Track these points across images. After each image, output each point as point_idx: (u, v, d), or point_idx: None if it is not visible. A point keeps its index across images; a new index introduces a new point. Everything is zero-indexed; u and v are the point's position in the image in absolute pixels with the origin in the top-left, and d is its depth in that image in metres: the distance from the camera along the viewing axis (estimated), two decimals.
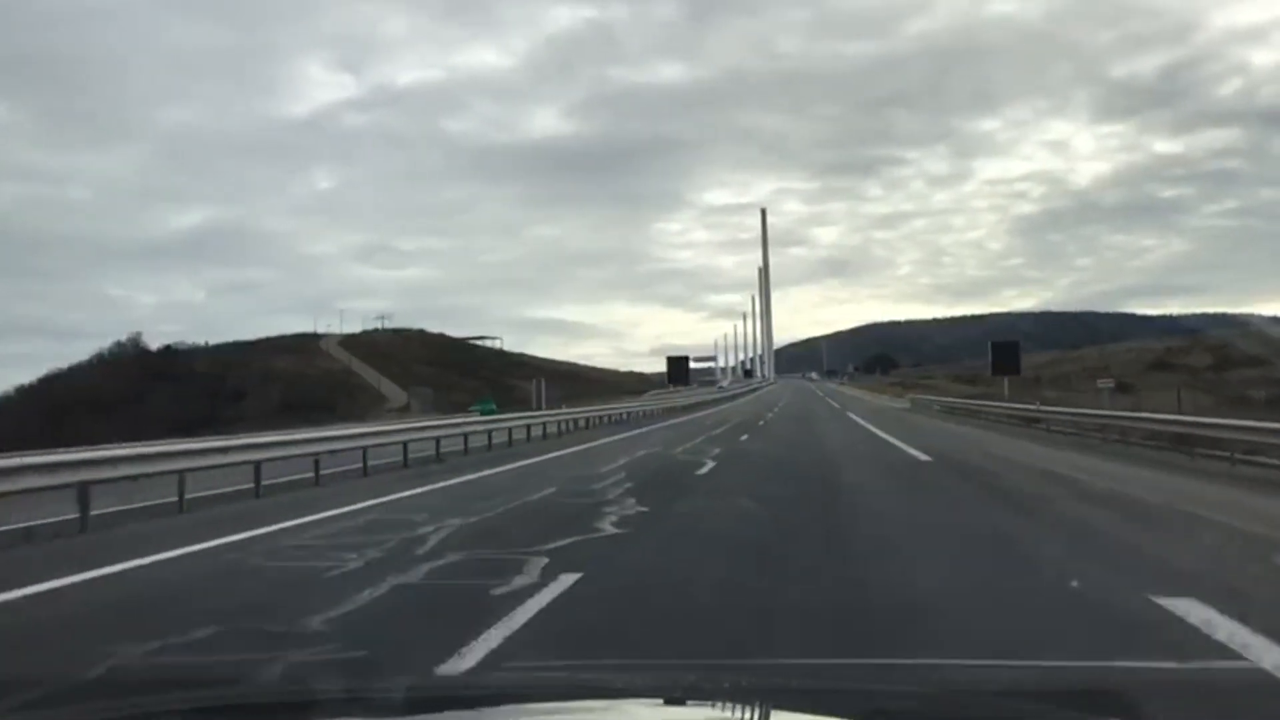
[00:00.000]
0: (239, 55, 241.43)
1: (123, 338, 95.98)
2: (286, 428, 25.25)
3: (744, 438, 25.86)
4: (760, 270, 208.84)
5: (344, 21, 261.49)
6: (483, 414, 45.47)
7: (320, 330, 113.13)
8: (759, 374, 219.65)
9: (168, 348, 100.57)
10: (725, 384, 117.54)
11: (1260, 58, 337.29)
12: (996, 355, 44.77)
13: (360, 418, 57.64)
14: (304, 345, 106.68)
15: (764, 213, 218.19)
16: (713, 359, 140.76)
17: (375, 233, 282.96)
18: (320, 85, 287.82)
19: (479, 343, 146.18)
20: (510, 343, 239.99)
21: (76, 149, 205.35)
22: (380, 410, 74.77)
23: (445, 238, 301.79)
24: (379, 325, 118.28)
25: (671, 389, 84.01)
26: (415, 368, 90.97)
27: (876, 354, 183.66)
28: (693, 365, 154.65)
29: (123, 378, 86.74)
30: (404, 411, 71.31)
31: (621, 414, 42.79)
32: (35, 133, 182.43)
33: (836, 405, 55.96)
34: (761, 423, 36.94)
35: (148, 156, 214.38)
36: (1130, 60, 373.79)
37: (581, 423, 33.64)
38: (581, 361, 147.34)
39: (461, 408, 63.35)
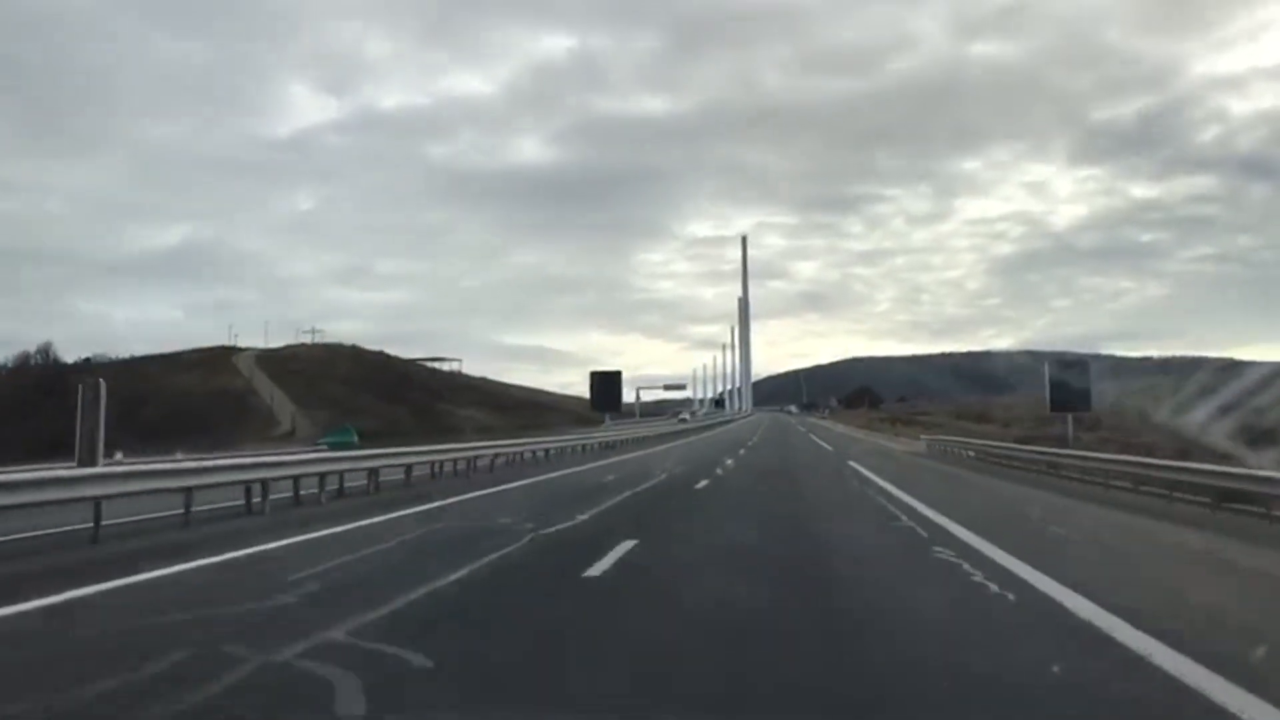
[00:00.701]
0: (222, 72, 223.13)
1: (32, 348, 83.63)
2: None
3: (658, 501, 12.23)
4: (740, 301, 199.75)
5: (329, 43, 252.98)
6: (332, 447, 33.40)
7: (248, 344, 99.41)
8: (734, 405, 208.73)
9: (86, 360, 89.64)
10: (688, 415, 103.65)
11: (1238, 106, 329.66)
12: (1059, 386, 31.47)
13: (238, 443, 45.09)
14: (215, 360, 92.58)
15: (744, 240, 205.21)
16: (682, 386, 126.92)
17: (355, 255, 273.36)
18: (304, 106, 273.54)
19: (434, 364, 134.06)
20: (489, 369, 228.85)
21: (53, 162, 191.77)
22: (266, 434, 60.96)
23: (425, 261, 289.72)
24: (310, 338, 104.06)
25: (614, 421, 69.71)
26: (329, 387, 76.95)
27: (859, 387, 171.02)
28: (665, 395, 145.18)
29: (9, 392, 75.47)
30: (287, 438, 57.53)
31: (543, 450, 33.92)
32: (9, 144, 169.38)
33: (828, 447, 42.68)
34: (719, 470, 26.00)
35: (126, 171, 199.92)
36: (1109, 105, 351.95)
37: (482, 462, 25.88)
38: (555, 390, 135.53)
39: (364, 435, 49.83)
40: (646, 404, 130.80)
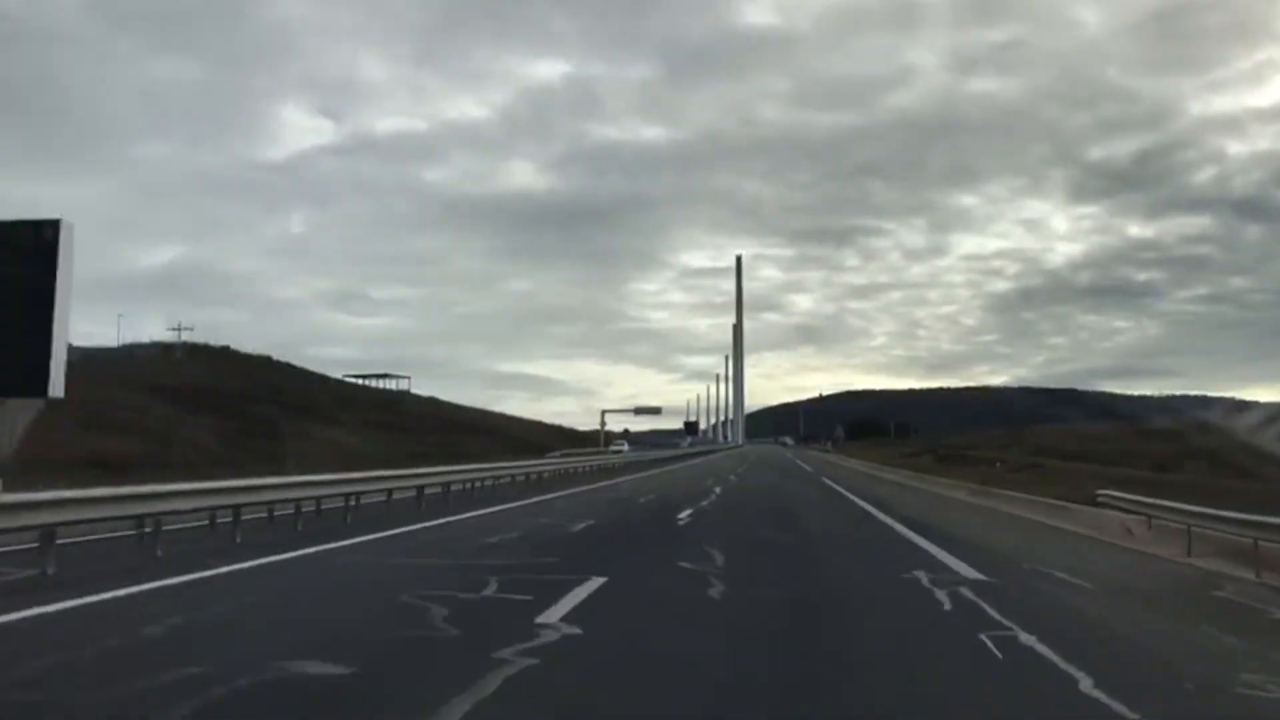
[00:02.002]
0: (215, 94, 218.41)
1: None
2: None
3: None
4: (734, 327, 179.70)
5: (323, 67, 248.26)
6: None
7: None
8: (726, 436, 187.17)
9: None
10: (625, 445, 79.08)
11: (1235, 147, 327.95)
12: None
13: None
14: None
15: (739, 260, 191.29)
16: (657, 410, 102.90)
17: (347, 280, 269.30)
18: (298, 129, 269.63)
19: (377, 383, 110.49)
20: (482, 398, 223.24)
21: (41, 179, 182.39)
22: None
23: (418, 287, 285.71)
24: (178, 336, 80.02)
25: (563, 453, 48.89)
26: (139, 398, 53.17)
27: (866, 417, 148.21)
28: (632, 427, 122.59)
29: None
30: None
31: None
32: None
33: (892, 524, 19.35)
34: None
35: (117, 190, 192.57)
36: (1106, 143, 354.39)
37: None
38: (530, 416, 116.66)
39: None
40: (641, 433, 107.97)
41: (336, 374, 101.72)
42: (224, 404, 57.17)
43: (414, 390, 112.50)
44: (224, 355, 77.43)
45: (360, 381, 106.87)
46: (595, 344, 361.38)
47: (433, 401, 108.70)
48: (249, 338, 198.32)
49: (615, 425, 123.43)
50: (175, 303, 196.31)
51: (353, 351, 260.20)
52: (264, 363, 79.32)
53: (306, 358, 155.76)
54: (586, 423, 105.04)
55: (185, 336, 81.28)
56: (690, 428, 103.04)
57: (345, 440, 59.71)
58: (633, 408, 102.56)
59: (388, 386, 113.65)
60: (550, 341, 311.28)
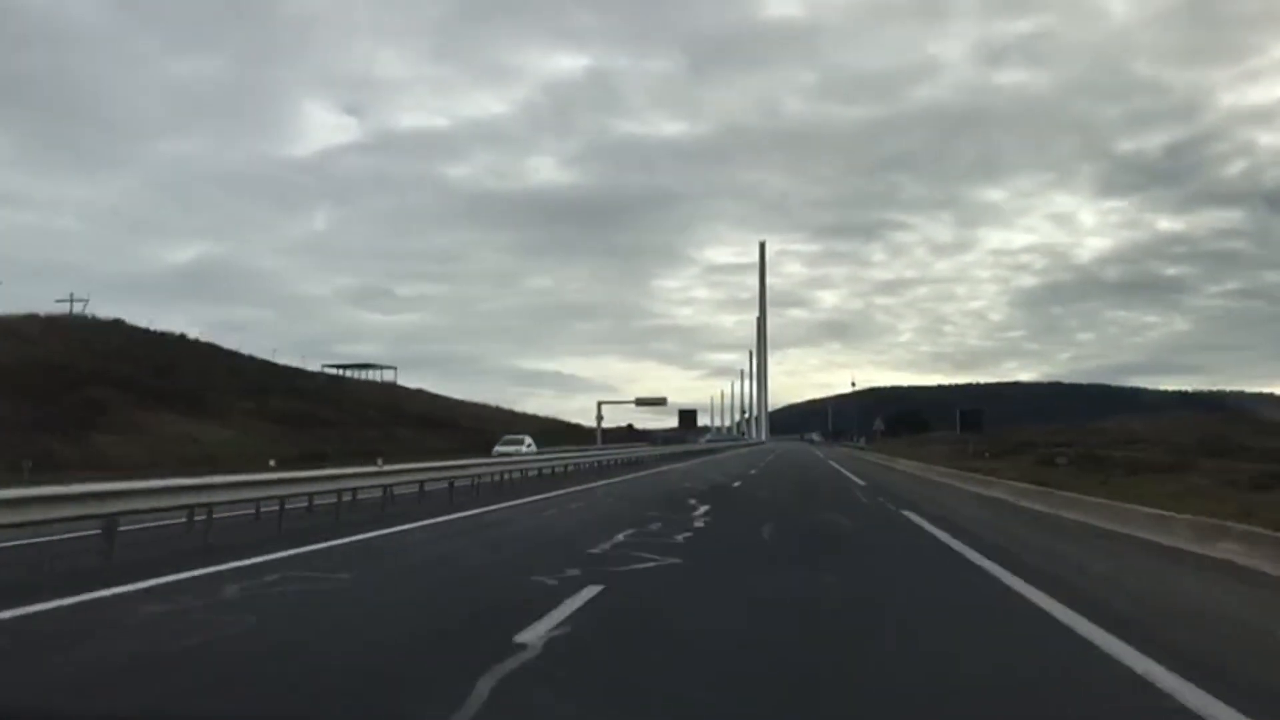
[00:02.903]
0: (237, 91, 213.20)
1: None
2: None
3: None
4: (758, 320, 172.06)
5: (345, 63, 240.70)
6: None
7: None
8: (748, 431, 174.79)
9: None
10: (526, 449, 61.54)
11: (1266, 139, 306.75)
12: None
13: None
14: None
15: (762, 246, 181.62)
16: (661, 401, 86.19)
17: (372, 277, 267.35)
18: (322, 126, 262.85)
19: (356, 374, 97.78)
20: (506, 395, 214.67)
21: (65, 177, 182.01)
22: None
23: (442, 284, 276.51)
24: (74, 309, 64.58)
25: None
26: None
27: (905, 409, 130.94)
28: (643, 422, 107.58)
29: None
30: None
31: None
32: (19, 158, 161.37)
33: None
34: None
35: (140, 188, 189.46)
36: (1136, 136, 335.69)
37: None
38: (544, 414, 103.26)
39: None
40: (669, 430, 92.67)
41: (322, 368, 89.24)
42: (48, 386, 41.35)
43: (401, 383, 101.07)
44: (112, 329, 61.89)
45: (340, 373, 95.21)
46: (620, 340, 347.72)
47: (400, 392, 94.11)
48: (274, 336, 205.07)
49: (619, 419, 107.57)
50: (200, 301, 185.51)
51: (378, 349, 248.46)
52: (153, 340, 63.52)
53: (332, 354, 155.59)
54: (609, 419, 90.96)
55: (87, 310, 66.27)
56: (687, 419, 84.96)
57: (210, 434, 43.94)
58: (634, 399, 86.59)
59: (371, 378, 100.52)
60: (574, 338, 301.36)
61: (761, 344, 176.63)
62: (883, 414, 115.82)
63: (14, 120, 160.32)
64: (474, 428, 74.59)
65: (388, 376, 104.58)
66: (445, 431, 67.99)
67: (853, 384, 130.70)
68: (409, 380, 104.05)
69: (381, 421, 63.55)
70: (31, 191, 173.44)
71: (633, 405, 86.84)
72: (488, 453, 42.53)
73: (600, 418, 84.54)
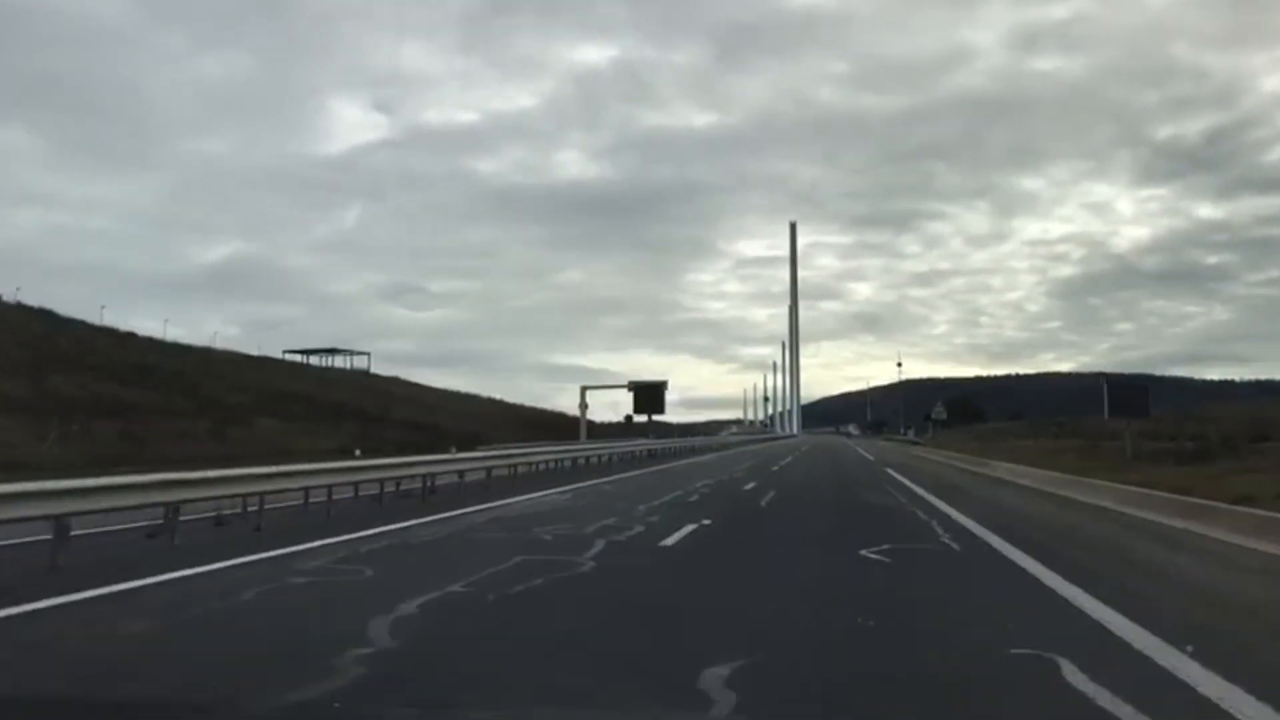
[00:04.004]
0: (268, 89, 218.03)
1: None
2: None
3: None
4: (790, 309, 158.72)
5: (376, 59, 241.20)
6: None
7: None
8: (783, 426, 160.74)
9: None
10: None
11: None
12: None
13: None
14: None
15: (793, 227, 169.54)
16: (660, 385, 68.54)
17: (403, 273, 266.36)
18: (352, 123, 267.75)
19: (326, 359, 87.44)
20: (538, 390, 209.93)
21: (96, 177, 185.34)
22: None
23: (473, 280, 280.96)
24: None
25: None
26: None
27: (959, 396, 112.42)
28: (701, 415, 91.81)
29: None
30: None
31: None
32: (51, 159, 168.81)
33: None
34: None
35: (171, 187, 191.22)
36: (1174, 123, 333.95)
37: None
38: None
39: None
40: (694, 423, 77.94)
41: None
42: None
43: (374, 370, 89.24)
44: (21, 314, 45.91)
45: (304, 359, 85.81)
46: (651, 335, 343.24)
47: (337, 376, 79.04)
48: (306, 333, 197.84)
49: (611, 408, 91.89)
50: (232, 299, 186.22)
51: (410, 345, 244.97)
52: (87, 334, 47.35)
53: (357, 351, 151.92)
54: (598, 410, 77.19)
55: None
56: (647, 396, 63.68)
57: None
58: (626, 383, 69.36)
59: (340, 365, 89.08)
60: (605, 333, 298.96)
61: (793, 330, 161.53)
62: (918, 406, 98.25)
63: (47, 121, 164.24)
64: (430, 423, 58.08)
65: (359, 363, 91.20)
66: (375, 427, 51.21)
67: (899, 364, 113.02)
68: (421, 374, 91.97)
69: (250, 409, 46.30)
70: (64, 192, 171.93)
71: (625, 390, 69.41)
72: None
73: (584, 405, 67.77)
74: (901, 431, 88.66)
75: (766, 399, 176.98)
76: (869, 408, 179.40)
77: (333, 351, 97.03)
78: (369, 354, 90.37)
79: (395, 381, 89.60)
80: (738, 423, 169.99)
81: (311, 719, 3.42)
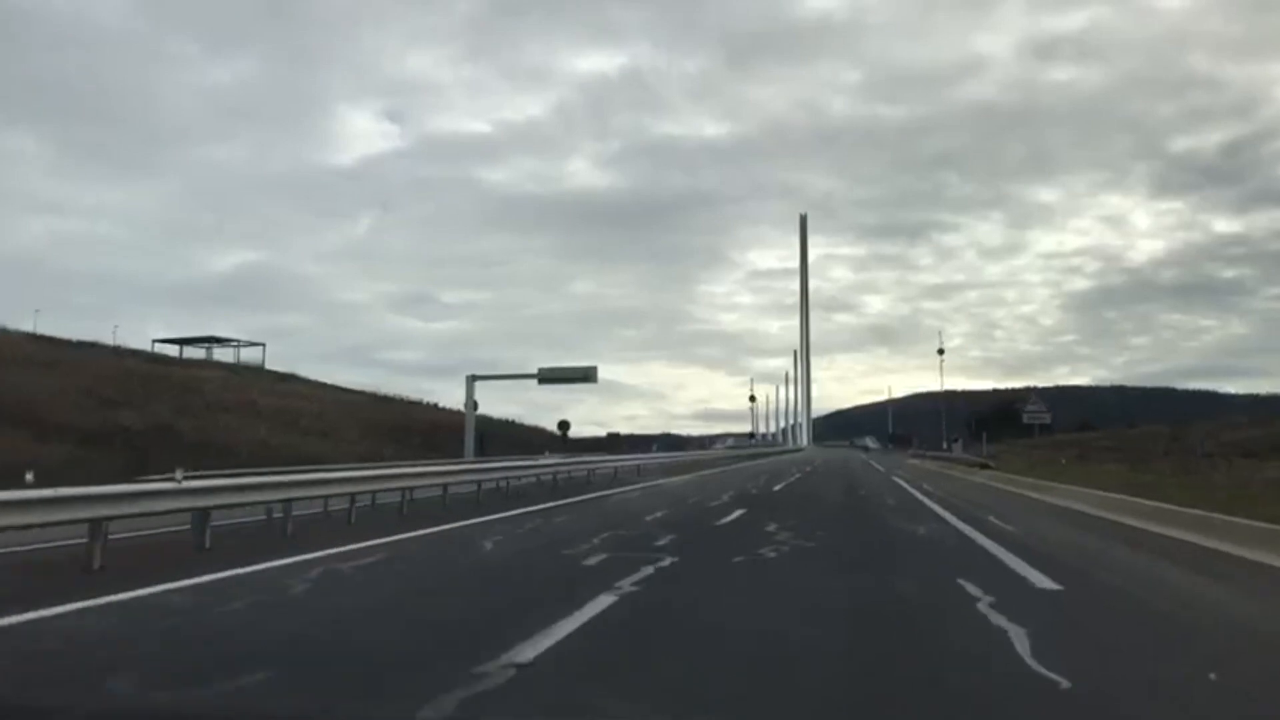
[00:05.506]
0: (277, 97, 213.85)
1: None
2: None
3: None
4: (800, 308, 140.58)
5: (385, 67, 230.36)
6: None
7: None
8: (792, 439, 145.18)
9: None
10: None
11: None
12: None
13: None
14: None
15: (803, 219, 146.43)
16: (590, 369, 44.87)
17: (415, 283, 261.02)
18: (362, 132, 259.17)
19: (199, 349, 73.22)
20: (539, 400, 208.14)
21: (104, 184, 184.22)
22: None
23: (485, 290, 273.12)
24: None
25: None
26: None
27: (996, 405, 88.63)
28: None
29: None
30: None
31: None
32: (59, 166, 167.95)
33: None
34: None
35: (180, 194, 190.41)
36: (1191, 135, 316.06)
37: None
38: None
39: None
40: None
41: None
42: None
43: (269, 366, 74.14)
44: None
45: (174, 349, 72.65)
46: (664, 346, 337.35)
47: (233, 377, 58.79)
48: (318, 343, 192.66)
49: (539, 404, 70.10)
50: (242, 308, 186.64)
51: (422, 355, 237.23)
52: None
53: (374, 361, 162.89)
54: (651, 425, 66.97)
55: None
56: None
57: None
58: (535, 370, 45.75)
59: (221, 359, 73.85)
60: (618, 344, 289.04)
61: (804, 333, 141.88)
62: (936, 418, 75.12)
63: (54, 128, 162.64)
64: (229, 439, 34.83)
65: (249, 355, 75.43)
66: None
67: (941, 351, 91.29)
68: (431, 385, 73.00)
69: None
70: (73, 199, 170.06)
71: (534, 382, 45.72)
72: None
73: (473, 404, 43.22)
74: (945, 447, 64.41)
75: (796, 424, 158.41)
76: (890, 418, 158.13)
77: (212, 341, 77.31)
78: (264, 345, 76.15)
79: (273, 376, 68.88)
80: (738, 436, 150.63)
81: None
